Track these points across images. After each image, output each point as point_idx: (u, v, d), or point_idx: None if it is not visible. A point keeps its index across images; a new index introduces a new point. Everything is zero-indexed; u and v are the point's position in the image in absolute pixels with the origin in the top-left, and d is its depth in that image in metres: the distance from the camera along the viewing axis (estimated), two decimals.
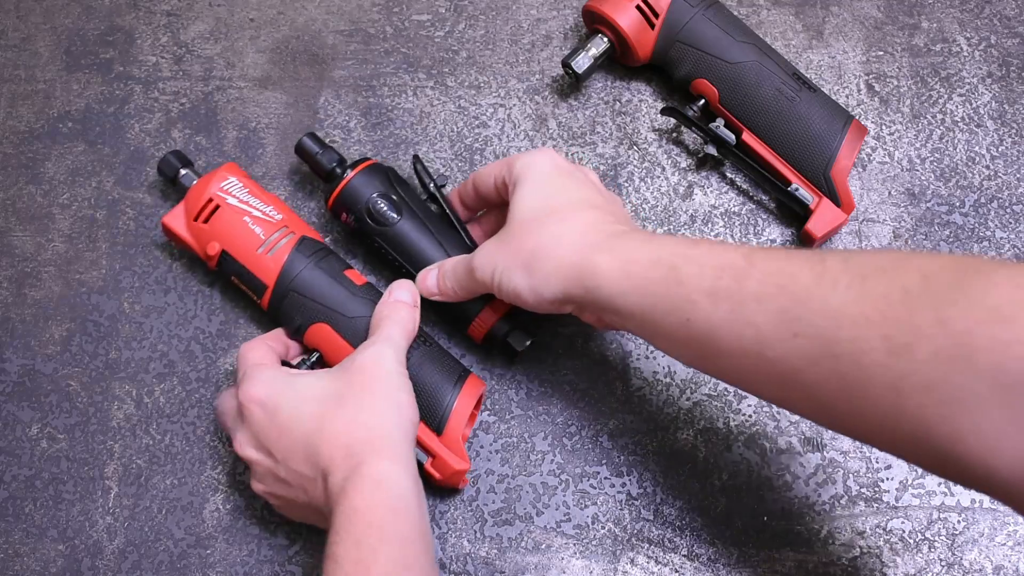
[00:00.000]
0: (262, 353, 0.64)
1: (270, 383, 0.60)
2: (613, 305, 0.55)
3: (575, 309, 0.59)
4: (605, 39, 0.74)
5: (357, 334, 0.65)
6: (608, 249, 0.55)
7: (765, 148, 0.71)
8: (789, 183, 0.70)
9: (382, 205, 0.68)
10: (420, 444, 0.63)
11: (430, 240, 0.68)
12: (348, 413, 0.57)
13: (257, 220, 0.67)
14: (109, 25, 0.81)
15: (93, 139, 0.77)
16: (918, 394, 0.42)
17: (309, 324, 0.66)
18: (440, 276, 0.65)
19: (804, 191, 0.70)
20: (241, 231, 0.67)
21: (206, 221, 0.67)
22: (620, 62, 0.77)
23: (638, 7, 0.72)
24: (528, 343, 0.67)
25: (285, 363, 0.65)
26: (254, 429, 0.59)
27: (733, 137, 0.71)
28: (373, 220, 0.68)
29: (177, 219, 0.69)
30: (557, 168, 0.61)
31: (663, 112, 0.73)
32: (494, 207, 0.69)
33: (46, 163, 0.77)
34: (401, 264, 0.68)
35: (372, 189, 0.68)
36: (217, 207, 0.67)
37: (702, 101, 0.72)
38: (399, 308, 0.64)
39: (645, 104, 0.77)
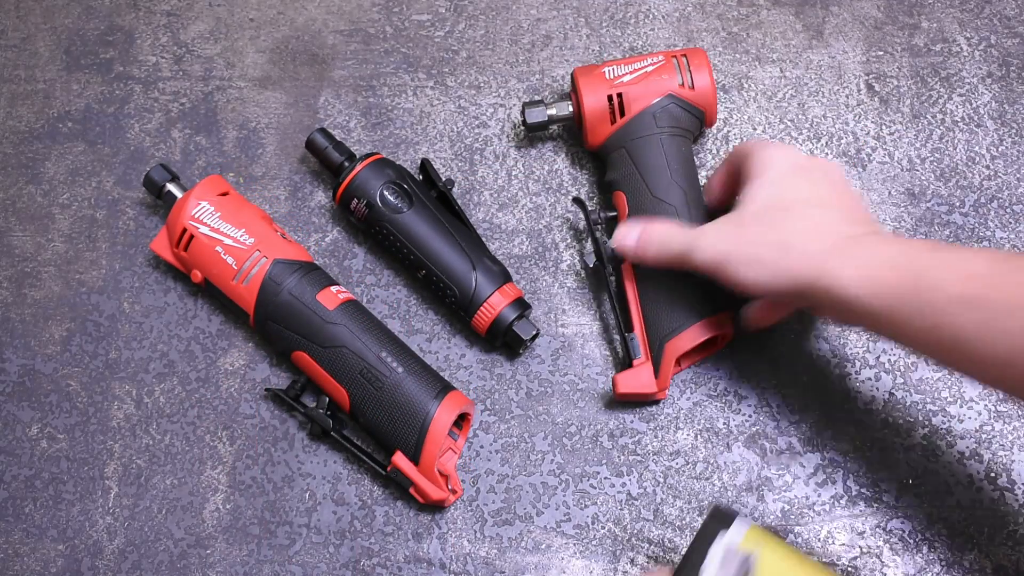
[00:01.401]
0: None
1: None
2: (851, 307, 0.54)
3: (805, 304, 0.57)
4: (569, 108, 0.71)
5: (334, 364, 0.65)
6: (844, 252, 0.54)
7: (634, 295, 0.68)
8: (632, 330, 0.67)
9: (395, 192, 0.68)
10: (400, 471, 0.64)
11: (441, 230, 0.68)
12: None
13: (229, 249, 0.67)
14: (109, 25, 0.81)
15: (93, 139, 0.77)
16: None
17: (290, 351, 0.66)
18: (644, 240, 0.64)
19: (638, 344, 0.67)
20: (216, 262, 0.67)
21: (186, 249, 0.68)
22: (577, 135, 0.74)
23: (610, 98, 0.69)
24: (535, 333, 0.67)
25: (279, 391, 0.66)
26: None
27: (611, 268, 0.69)
28: (386, 206, 0.68)
29: (163, 245, 0.69)
30: (794, 166, 0.60)
31: (575, 201, 0.71)
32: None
33: (46, 163, 0.77)
34: (410, 251, 0.68)
35: (384, 177, 0.69)
36: (192, 236, 0.67)
37: (614, 214, 0.70)
38: None
39: None
